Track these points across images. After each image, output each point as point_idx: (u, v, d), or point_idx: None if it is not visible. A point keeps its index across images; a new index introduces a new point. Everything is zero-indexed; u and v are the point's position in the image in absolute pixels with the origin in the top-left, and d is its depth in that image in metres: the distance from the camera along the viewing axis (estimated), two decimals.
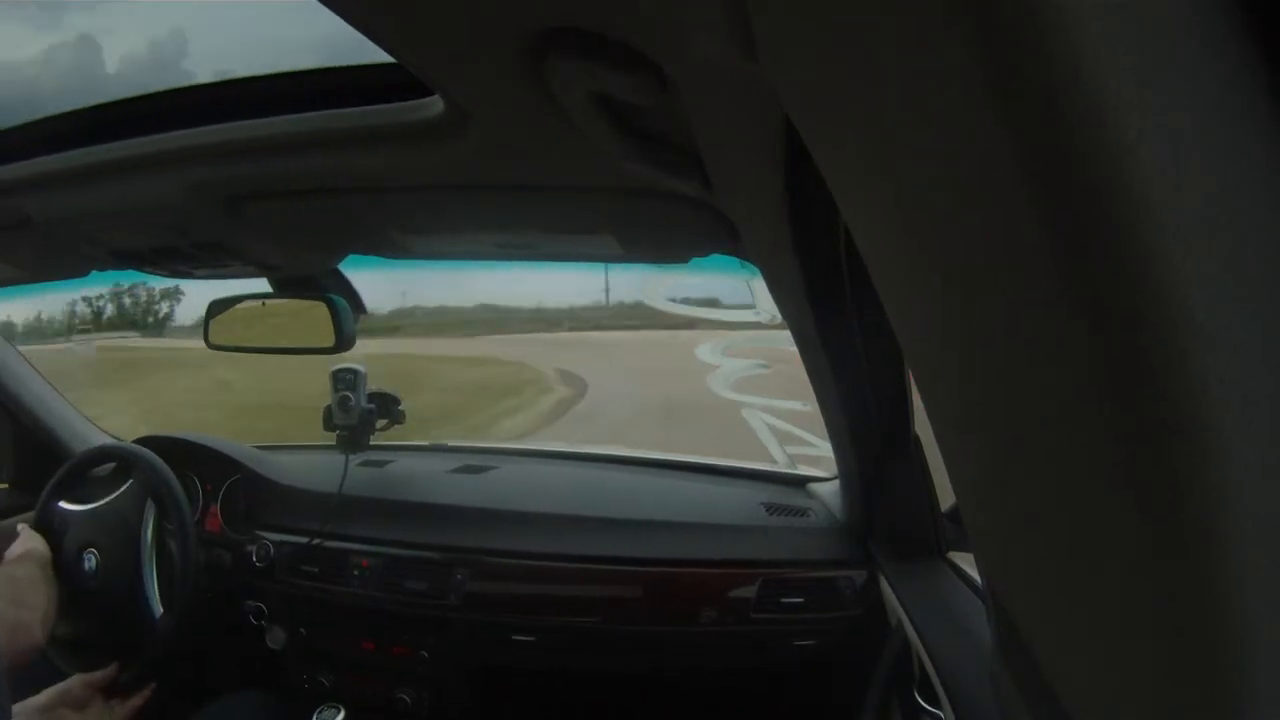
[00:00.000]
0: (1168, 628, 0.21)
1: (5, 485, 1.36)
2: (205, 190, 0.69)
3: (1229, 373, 0.17)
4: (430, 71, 0.45)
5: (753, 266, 0.79)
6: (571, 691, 1.27)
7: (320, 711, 1.09)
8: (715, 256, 0.82)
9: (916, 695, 0.81)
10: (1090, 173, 0.16)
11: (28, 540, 1.07)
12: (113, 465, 1.24)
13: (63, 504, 1.14)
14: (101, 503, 1.14)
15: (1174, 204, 0.16)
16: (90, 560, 1.08)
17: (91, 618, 1.09)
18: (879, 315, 0.73)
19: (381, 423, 1.28)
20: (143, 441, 1.27)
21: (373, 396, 1.27)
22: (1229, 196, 0.17)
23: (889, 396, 0.91)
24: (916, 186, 0.24)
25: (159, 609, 1.08)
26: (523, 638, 1.10)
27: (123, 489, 1.14)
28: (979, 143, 0.19)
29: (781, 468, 1.60)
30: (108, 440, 1.41)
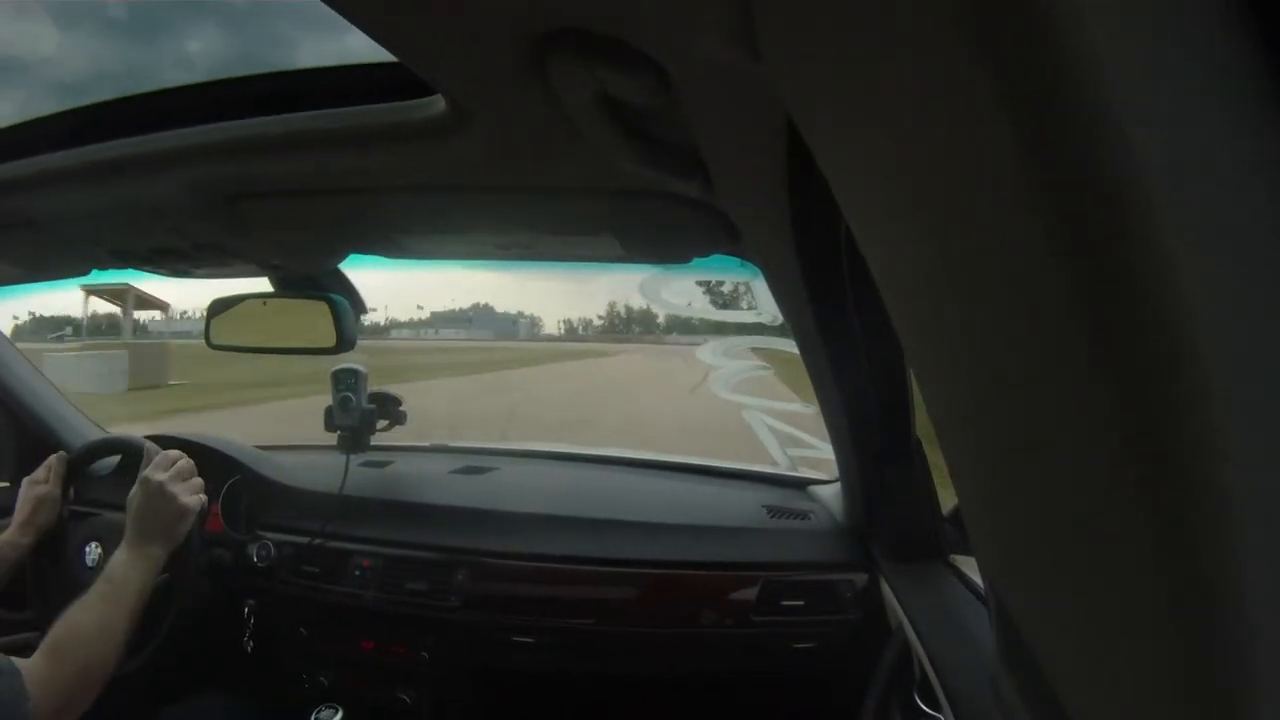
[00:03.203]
0: (1169, 629, 0.21)
1: (6, 484, 1.37)
2: (205, 189, 0.68)
3: (1231, 373, 0.17)
4: (433, 72, 0.45)
5: (753, 266, 0.79)
6: (571, 693, 1.26)
7: (318, 711, 1.08)
8: (716, 256, 0.82)
9: (917, 698, 0.80)
10: (1093, 173, 0.16)
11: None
12: (116, 461, 1.25)
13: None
14: (104, 498, 1.14)
15: (1177, 204, 0.16)
16: (92, 553, 1.09)
17: None
18: (880, 316, 0.73)
19: (382, 423, 1.28)
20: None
21: (373, 397, 1.27)
22: (1231, 197, 0.17)
23: (890, 398, 0.91)
24: (919, 187, 0.24)
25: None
26: (523, 639, 1.10)
27: (125, 480, 1.14)
28: (982, 143, 0.19)
29: (783, 470, 1.59)
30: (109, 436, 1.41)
